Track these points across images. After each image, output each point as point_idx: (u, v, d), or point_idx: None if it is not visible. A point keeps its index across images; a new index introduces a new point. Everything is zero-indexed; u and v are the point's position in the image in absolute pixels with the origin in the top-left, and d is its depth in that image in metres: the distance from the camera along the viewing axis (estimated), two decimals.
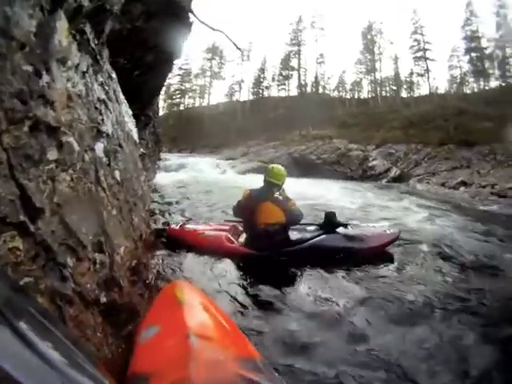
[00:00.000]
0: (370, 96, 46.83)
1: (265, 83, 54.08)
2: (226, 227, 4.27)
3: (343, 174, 22.30)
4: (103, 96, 1.95)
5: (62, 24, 1.48)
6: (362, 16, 75.26)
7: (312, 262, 3.52)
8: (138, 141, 2.73)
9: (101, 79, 1.99)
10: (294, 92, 50.64)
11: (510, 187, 14.76)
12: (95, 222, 1.42)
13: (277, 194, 3.85)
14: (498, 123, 22.34)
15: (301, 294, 2.97)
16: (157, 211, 5.46)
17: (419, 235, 5.02)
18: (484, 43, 36.57)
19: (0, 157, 1.01)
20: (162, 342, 1.32)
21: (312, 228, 4.30)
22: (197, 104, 56.34)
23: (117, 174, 1.81)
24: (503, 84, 34.13)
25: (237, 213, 4.07)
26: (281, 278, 3.33)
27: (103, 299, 1.47)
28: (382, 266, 3.67)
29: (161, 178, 10.97)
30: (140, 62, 4.83)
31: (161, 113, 38.41)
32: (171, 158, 20.93)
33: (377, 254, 3.92)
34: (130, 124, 2.69)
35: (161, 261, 3.40)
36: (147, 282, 2.28)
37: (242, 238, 4.06)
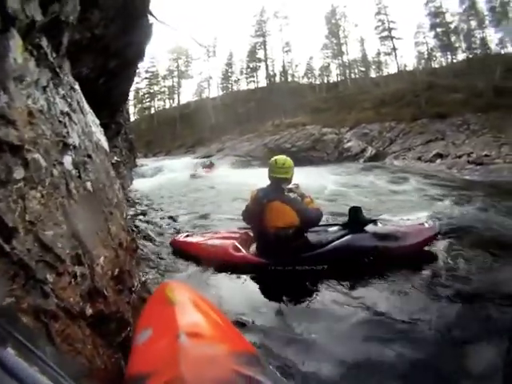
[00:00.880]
0: (339, 79, 47.59)
1: (233, 77, 54.08)
2: (236, 235, 3.87)
3: (320, 159, 22.73)
4: (66, 109, 1.93)
5: (15, 41, 1.47)
6: (324, 1, 75.57)
7: (336, 269, 3.07)
8: (108, 149, 2.71)
9: (62, 92, 1.97)
10: (263, 83, 50.94)
11: (487, 154, 15.27)
12: (71, 236, 1.43)
13: (292, 192, 3.41)
14: (468, 94, 23.02)
15: (321, 312, 2.56)
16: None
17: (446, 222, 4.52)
18: (448, 18, 37.22)
19: None
20: (155, 344, 1.32)
21: (334, 229, 3.75)
22: (167, 106, 56.03)
23: (88, 185, 1.81)
24: (470, 56, 34.91)
25: (246, 218, 3.66)
26: (294, 292, 2.89)
27: (89, 311, 1.48)
28: (424, 267, 3.17)
29: (138, 184, 10.87)
30: (103, 69, 4.76)
31: (132, 118, 38.00)
32: (148, 163, 20.77)
33: (416, 254, 3.39)
34: (98, 133, 2.66)
35: (148, 267, 3.41)
36: (133, 289, 2.29)
37: (254, 246, 3.63)
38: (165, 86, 55.14)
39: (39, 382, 0.58)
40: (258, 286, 3.08)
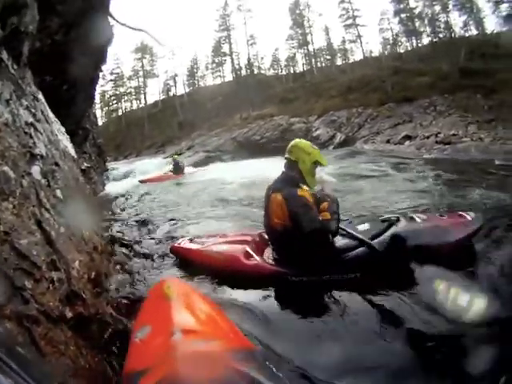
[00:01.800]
0: (305, 69, 47.68)
1: (199, 73, 53.73)
2: (248, 238, 3.23)
3: None
4: (31, 119, 1.96)
5: None
6: None
7: (370, 277, 2.48)
8: (75, 156, 2.73)
9: (26, 103, 2.00)
10: (229, 77, 50.69)
11: (454, 134, 15.83)
12: (45, 243, 1.48)
13: (317, 187, 2.83)
14: (434, 77, 23.69)
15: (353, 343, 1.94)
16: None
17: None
18: (412, 3, 37.76)
19: None
20: (152, 340, 1.36)
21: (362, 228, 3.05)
22: (134, 106, 54.96)
23: (58, 192, 1.85)
24: (435, 40, 35.64)
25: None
26: (316, 310, 2.29)
27: (69, 314, 1.53)
28: (467, 268, 2.60)
29: (110, 188, 10.74)
30: (66, 75, 4.71)
31: (100, 122, 37.21)
32: (119, 167, 20.42)
33: (461, 251, 2.79)
34: (65, 141, 2.69)
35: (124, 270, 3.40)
36: (111, 290, 2.34)
37: (269, 250, 2.98)
38: (131, 87, 54.02)
39: None
40: (272, 301, 2.48)
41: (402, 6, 38.71)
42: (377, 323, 2.06)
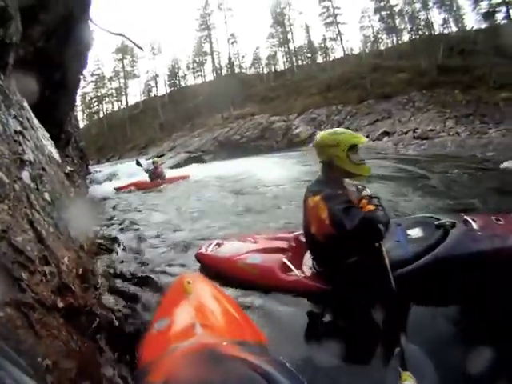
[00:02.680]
0: (286, 67, 47.96)
1: (180, 73, 53.54)
2: (284, 244, 2.82)
3: (270, 148, 23.04)
4: (19, 127, 2.11)
5: None
6: None
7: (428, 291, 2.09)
8: (60, 160, 2.88)
9: (13, 112, 2.15)
10: (210, 77, 50.72)
11: (432, 129, 16.30)
12: (37, 240, 1.64)
13: (358, 188, 2.39)
14: (413, 73, 24.15)
15: None
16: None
17: None
18: (393, 1, 38.34)
19: None
20: (169, 333, 1.45)
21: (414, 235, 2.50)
22: (116, 108, 54.40)
23: (46, 195, 2.01)
24: (414, 37, 36.34)
25: None
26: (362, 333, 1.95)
27: (60, 304, 1.70)
28: None
29: (94, 191, 10.78)
30: (49, 81, 4.81)
31: (81, 125, 36.78)
32: (102, 169, 20.26)
33: None
34: (50, 146, 2.83)
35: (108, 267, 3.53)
36: (98, 286, 2.50)
37: (308, 259, 2.59)
38: (112, 88, 53.57)
39: None
40: (312, 323, 2.15)
41: (382, 3, 39.45)
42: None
